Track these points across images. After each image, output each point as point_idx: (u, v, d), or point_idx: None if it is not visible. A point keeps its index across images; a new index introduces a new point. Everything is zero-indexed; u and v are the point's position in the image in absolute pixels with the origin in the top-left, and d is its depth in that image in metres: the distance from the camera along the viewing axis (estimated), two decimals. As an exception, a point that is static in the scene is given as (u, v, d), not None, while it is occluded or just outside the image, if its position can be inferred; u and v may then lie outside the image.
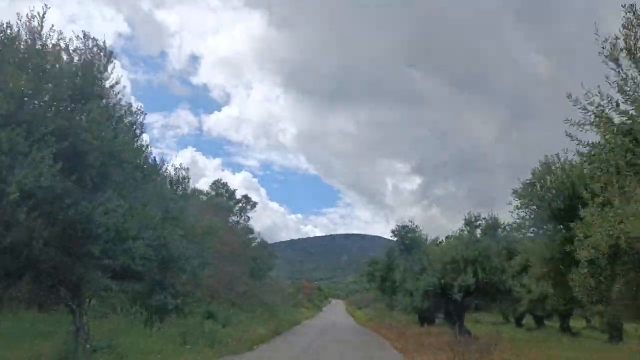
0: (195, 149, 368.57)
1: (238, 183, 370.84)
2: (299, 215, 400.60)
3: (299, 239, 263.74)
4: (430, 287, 16.96)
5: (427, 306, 18.36)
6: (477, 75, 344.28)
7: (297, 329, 29.23)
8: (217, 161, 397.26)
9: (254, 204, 33.34)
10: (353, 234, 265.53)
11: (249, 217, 31.83)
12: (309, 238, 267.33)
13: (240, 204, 32.00)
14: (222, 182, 32.82)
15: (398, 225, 19.26)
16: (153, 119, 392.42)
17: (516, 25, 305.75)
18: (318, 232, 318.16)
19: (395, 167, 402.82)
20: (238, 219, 30.76)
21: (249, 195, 33.94)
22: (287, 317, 30.56)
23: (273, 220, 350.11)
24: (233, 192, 32.71)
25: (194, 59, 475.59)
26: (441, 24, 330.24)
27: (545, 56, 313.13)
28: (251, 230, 29.36)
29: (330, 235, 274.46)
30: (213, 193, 30.77)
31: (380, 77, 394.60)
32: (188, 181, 14.26)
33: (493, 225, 17.70)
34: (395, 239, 19.24)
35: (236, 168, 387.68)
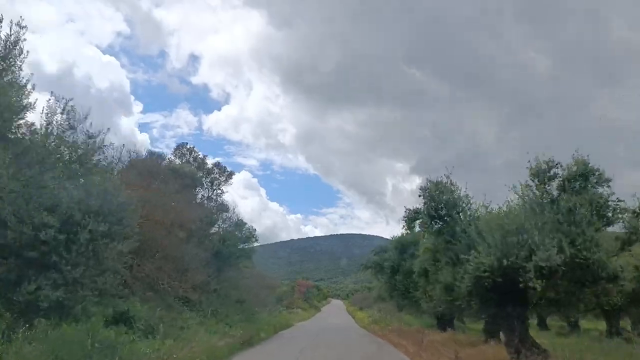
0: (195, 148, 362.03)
1: (238, 182, 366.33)
2: (299, 216, 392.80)
3: (299, 239, 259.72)
4: (486, 273, 10.16)
5: (476, 305, 11.60)
6: (478, 75, 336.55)
7: (285, 334, 22.57)
8: (217, 160, 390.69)
9: (230, 174, 26.35)
10: (353, 234, 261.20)
11: (222, 190, 25.01)
12: (309, 238, 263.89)
13: (212, 175, 25.13)
14: (188, 146, 25.89)
15: (428, 181, 12.40)
16: (153, 119, 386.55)
17: (516, 24, 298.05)
18: (318, 232, 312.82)
19: (395, 166, 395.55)
20: (209, 193, 23.93)
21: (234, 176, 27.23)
22: (274, 319, 23.85)
23: (273, 220, 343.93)
24: (203, 160, 25.70)
25: (194, 58, 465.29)
26: (441, 22, 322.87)
27: (545, 55, 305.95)
28: (224, 207, 22.54)
29: (331, 235, 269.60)
30: (177, 161, 23.93)
31: (380, 76, 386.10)
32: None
33: (582, 173, 10.87)
34: (423, 202, 12.39)
35: (236, 168, 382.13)
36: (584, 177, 10.92)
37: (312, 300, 55.94)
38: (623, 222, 11.79)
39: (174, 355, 8.99)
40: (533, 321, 31.31)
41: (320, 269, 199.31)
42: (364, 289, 76.98)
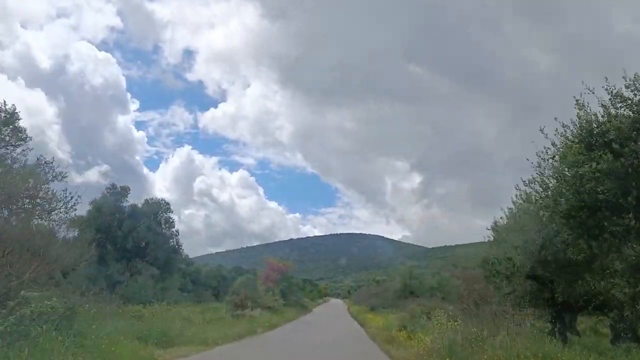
0: (191, 147, 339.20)
1: (236, 182, 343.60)
2: (298, 215, 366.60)
3: (298, 238, 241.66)
4: None
5: None
6: (479, 71, 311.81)
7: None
8: (214, 159, 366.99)
9: None
10: (352, 234, 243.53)
11: None
12: (308, 238, 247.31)
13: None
14: None
15: None
16: (149, 117, 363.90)
17: (518, 20, 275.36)
18: (317, 232, 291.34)
19: (394, 165, 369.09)
20: None
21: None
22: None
23: (272, 220, 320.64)
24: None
25: (188, 53, 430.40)
26: (442, 18, 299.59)
27: (548, 52, 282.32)
28: None
29: (330, 234, 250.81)
30: None
31: (380, 73, 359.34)
32: None
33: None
34: None
35: (233, 166, 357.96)
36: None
37: (295, 293, 33.08)
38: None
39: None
40: None
41: (319, 268, 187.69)
42: (370, 283, 55.42)
